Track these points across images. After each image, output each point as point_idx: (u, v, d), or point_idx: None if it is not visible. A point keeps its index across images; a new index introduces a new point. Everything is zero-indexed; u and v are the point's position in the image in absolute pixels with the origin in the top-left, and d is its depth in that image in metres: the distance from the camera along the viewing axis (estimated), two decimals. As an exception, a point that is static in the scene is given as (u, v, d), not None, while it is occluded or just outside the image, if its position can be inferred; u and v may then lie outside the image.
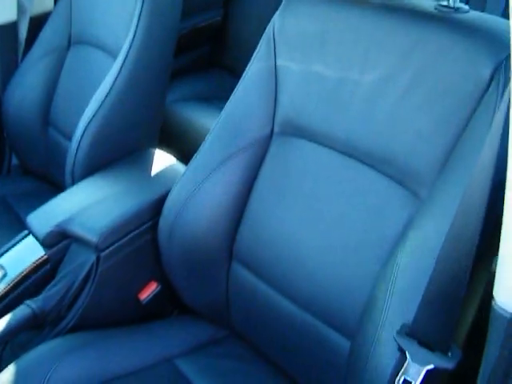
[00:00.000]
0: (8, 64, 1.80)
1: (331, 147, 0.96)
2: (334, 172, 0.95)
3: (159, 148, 1.60)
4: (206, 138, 1.12)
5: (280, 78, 1.04)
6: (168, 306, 1.28)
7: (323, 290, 0.95)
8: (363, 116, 0.91)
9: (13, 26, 1.79)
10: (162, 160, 1.36)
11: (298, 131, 1.02)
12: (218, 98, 1.99)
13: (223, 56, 2.26)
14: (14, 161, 1.89)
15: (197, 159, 1.11)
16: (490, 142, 0.67)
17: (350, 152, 0.94)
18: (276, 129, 1.05)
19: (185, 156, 1.75)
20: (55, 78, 1.69)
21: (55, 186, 1.68)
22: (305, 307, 0.99)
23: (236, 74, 2.20)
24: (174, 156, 1.47)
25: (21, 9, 1.78)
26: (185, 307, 1.21)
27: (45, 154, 1.72)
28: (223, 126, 1.10)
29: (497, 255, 0.60)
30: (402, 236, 0.84)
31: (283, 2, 1.06)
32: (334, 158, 0.96)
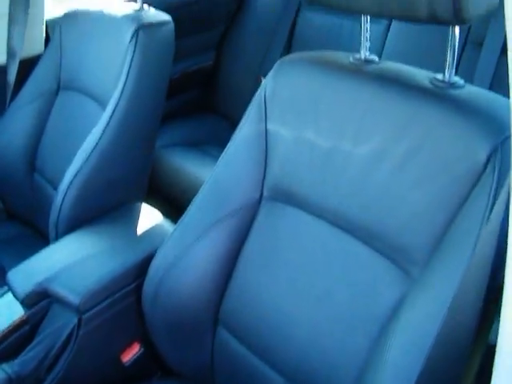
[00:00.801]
0: None
1: (321, 217, 0.94)
2: (323, 243, 0.93)
3: (147, 194, 1.58)
4: (195, 199, 1.10)
5: (270, 142, 1.02)
6: (151, 367, 1.24)
7: (310, 363, 0.93)
8: (355, 188, 0.89)
9: (2, 69, 1.77)
10: (149, 216, 1.34)
11: (287, 198, 1.00)
12: (207, 143, 1.98)
13: (214, 100, 2.25)
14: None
15: (184, 221, 1.09)
16: (489, 229, 0.65)
17: (340, 224, 0.92)
18: (265, 193, 1.03)
19: (172, 204, 1.73)
20: (43, 123, 1.67)
21: (40, 232, 1.65)
22: (290, 379, 0.96)
23: (227, 118, 2.21)
24: (161, 203, 1.45)
25: (10, 51, 1.76)
26: (169, 369, 1.18)
27: (30, 200, 1.69)
28: (212, 189, 1.08)
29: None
30: (393, 315, 0.81)
31: (276, 65, 1.04)
32: (323, 228, 0.93)
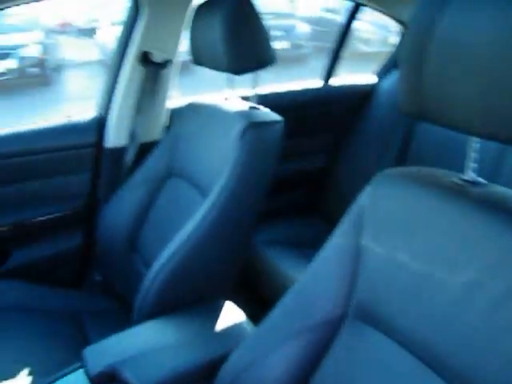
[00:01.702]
0: (111, 184, 1.88)
1: (406, 347, 0.86)
2: (404, 376, 0.84)
3: (237, 286, 1.55)
4: (278, 304, 1.05)
5: (362, 259, 0.96)
6: None
7: None
8: (445, 321, 0.81)
9: (122, 150, 1.89)
10: (231, 315, 1.31)
11: (372, 319, 0.92)
12: (309, 245, 1.94)
13: (321, 203, 2.24)
14: (98, 277, 1.92)
15: (263, 326, 1.04)
16: None
17: (425, 357, 0.82)
18: (349, 311, 0.96)
19: (260, 300, 1.69)
20: (148, 206, 1.73)
21: (131, 311, 1.67)
22: None
23: (332, 223, 2.17)
24: (250, 298, 1.41)
25: (132, 135, 1.88)
26: None
27: (126, 278, 1.72)
28: (296, 297, 1.03)
29: None
30: None
31: (375, 178, 1.01)
32: (406, 359, 0.84)
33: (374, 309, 0.93)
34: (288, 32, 10.19)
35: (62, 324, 1.61)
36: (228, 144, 1.45)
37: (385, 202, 0.96)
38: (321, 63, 2.38)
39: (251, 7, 1.45)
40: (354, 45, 8.61)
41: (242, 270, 1.60)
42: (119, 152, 1.89)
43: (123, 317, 1.68)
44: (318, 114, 2.20)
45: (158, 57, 1.82)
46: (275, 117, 1.50)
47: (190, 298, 1.40)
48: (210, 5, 1.49)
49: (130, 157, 1.89)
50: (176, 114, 1.86)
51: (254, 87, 1.58)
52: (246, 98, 1.68)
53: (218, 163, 1.48)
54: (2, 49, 8.98)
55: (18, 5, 1.59)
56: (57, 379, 1.17)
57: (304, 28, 10.41)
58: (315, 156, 2.26)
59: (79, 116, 1.94)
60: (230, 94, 1.68)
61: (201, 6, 1.54)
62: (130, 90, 1.85)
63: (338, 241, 1.01)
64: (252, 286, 1.88)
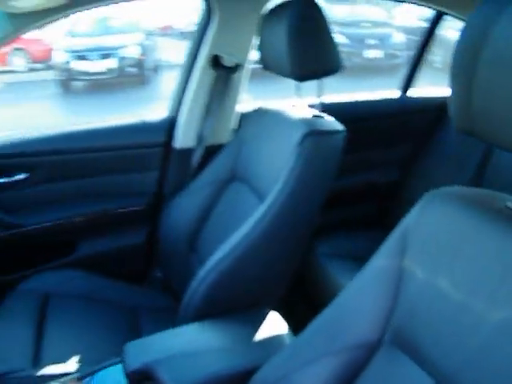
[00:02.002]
0: (177, 184, 1.91)
1: (436, 379, 0.80)
2: None
3: (290, 294, 1.53)
4: (316, 319, 1.02)
5: (404, 281, 0.91)
6: None
7: None
8: (479, 357, 0.75)
9: (190, 152, 1.92)
10: (274, 326, 1.28)
11: (407, 348, 0.87)
12: None
13: (388, 217, 2.17)
14: (159, 274, 1.96)
15: (298, 341, 1.01)
16: None
17: None
18: (386, 337, 0.92)
19: (313, 312, 1.66)
20: (210, 208, 1.74)
21: None
22: None
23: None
24: (304, 308, 1.39)
25: (200, 137, 1.91)
26: None
27: (184, 278, 1.74)
28: (332, 316, 0.99)
29: None
30: None
31: (424, 196, 0.95)
32: None
33: (410, 336, 0.87)
34: (383, 41, 10.02)
35: (118, 317, 1.65)
36: (287, 150, 1.44)
37: (430, 223, 0.90)
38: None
39: (318, 13, 1.42)
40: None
41: (300, 281, 1.57)
42: (187, 153, 1.92)
43: (179, 315, 1.71)
44: (392, 126, 2.14)
45: (228, 61, 1.84)
46: (337, 126, 1.46)
47: (237, 302, 1.40)
48: (278, 10, 1.48)
49: (196, 158, 1.91)
50: (244, 118, 1.87)
51: (319, 95, 1.56)
52: (313, 106, 1.65)
53: (277, 169, 1.46)
54: (104, 49, 9.47)
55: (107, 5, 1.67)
56: (97, 370, 1.20)
57: (399, 37, 10.19)
58: (387, 169, 2.19)
59: (151, 116, 1.99)
60: (299, 101, 1.66)
61: (269, 12, 1.54)
62: (199, 93, 1.88)
63: (380, 261, 0.97)
64: (310, 297, 1.85)
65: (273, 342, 1.23)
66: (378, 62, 9.74)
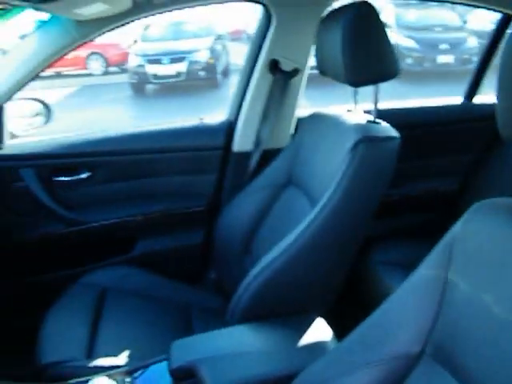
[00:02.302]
0: (234, 187, 1.94)
1: None
2: None
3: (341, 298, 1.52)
4: (358, 328, 1.01)
5: (447, 292, 0.88)
6: None
7: None
8: None
9: (248, 155, 1.94)
10: (319, 332, 1.28)
11: (448, 363, 0.85)
12: None
13: (447, 227, 2.10)
14: (213, 275, 1.99)
15: (337, 350, 1.01)
16: None
17: None
18: (428, 350, 0.89)
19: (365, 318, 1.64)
20: (265, 212, 1.75)
21: None
22: None
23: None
24: (352, 316, 1.37)
25: (257, 142, 1.93)
26: None
27: (235, 281, 1.76)
28: (373, 326, 0.98)
29: None
30: None
31: (472, 207, 0.92)
32: None
33: (450, 351, 0.85)
34: (456, 46, 9.73)
35: (171, 315, 1.69)
36: (341, 156, 1.43)
37: (476, 234, 0.87)
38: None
39: (375, 18, 1.41)
40: None
41: (352, 289, 1.56)
42: (245, 157, 1.94)
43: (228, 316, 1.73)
44: (454, 134, 2.08)
45: (287, 65, 1.84)
46: (392, 133, 1.44)
47: (285, 305, 1.40)
48: (334, 15, 1.48)
49: (253, 162, 1.93)
50: (300, 123, 1.87)
51: (375, 101, 1.54)
52: (369, 112, 1.64)
53: (330, 174, 1.46)
54: (176, 53, 9.72)
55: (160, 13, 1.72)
56: (146, 366, 1.24)
57: (474, 42, 9.87)
58: (447, 178, 2.13)
59: (211, 119, 2.03)
60: (356, 107, 1.65)
61: (326, 17, 1.54)
62: (258, 97, 1.89)
63: (425, 271, 0.95)
64: (361, 306, 1.82)
65: (316, 348, 1.22)
66: (450, 68, 9.47)
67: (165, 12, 1.73)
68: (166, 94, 9.66)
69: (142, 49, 9.93)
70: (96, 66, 11.64)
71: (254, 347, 1.21)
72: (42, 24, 1.64)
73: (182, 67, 9.68)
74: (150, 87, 9.91)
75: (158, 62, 9.64)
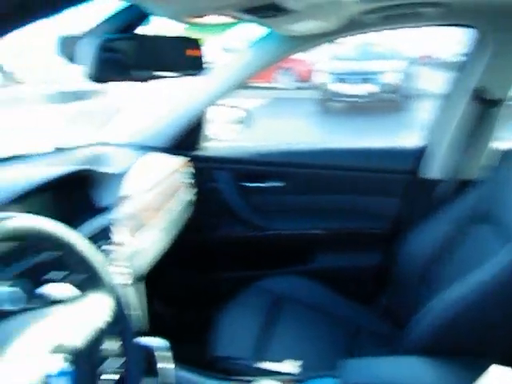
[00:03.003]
0: (418, 213, 1.86)
1: None
2: None
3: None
4: None
5: None
6: None
7: None
8: None
9: (436, 183, 1.88)
10: (499, 380, 1.18)
11: None
12: None
13: None
14: (384, 300, 1.94)
15: None
16: None
17: None
18: None
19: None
20: (449, 244, 1.64)
21: None
22: None
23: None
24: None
25: (448, 170, 1.86)
26: None
27: (410, 310, 1.67)
28: None
29: None
30: None
31: None
32: None
33: None
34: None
35: (341, 333, 1.68)
36: None
37: None
38: None
39: None
40: None
41: None
42: (433, 184, 1.88)
43: (398, 344, 1.67)
44: None
45: (491, 94, 1.75)
46: None
47: (463, 344, 1.31)
48: None
49: (442, 191, 1.86)
50: (505, 157, 1.74)
51: None
52: None
53: None
54: (364, 74, 9.74)
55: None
56: (311, 378, 1.25)
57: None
58: None
59: (401, 143, 1.99)
60: None
61: None
62: (457, 125, 1.82)
63: None
64: None
65: None
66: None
67: (373, 32, 1.73)
68: (351, 113, 9.71)
69: (332, 67, 10.08)
70: (285, 80, 12.07)
71: (428, 383, 1.16)
72: (258, 39, 1.74)
73: (370, 88, 9.66)
74: (336, 105, 10.02)
75: (346, 81, 9.72)
